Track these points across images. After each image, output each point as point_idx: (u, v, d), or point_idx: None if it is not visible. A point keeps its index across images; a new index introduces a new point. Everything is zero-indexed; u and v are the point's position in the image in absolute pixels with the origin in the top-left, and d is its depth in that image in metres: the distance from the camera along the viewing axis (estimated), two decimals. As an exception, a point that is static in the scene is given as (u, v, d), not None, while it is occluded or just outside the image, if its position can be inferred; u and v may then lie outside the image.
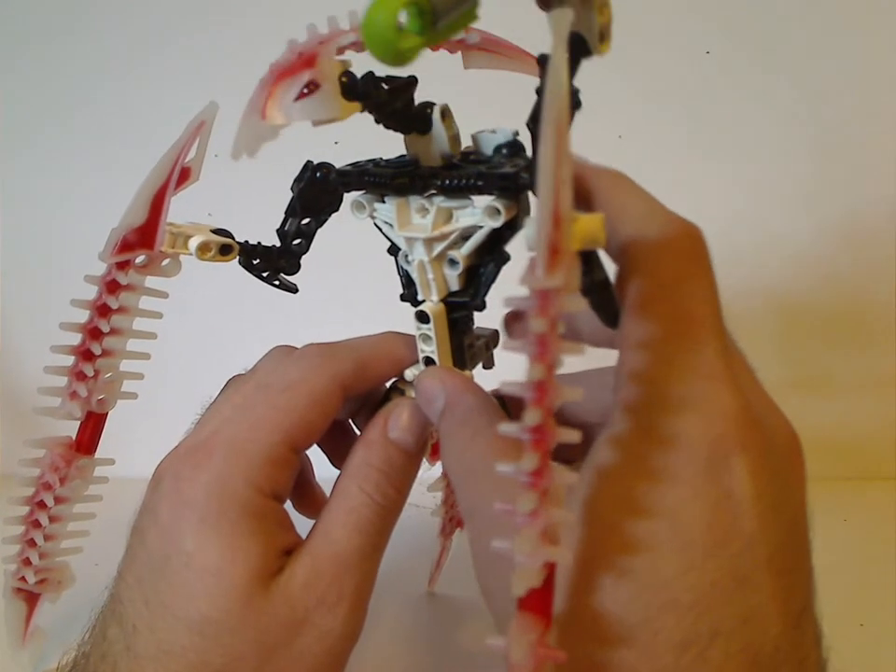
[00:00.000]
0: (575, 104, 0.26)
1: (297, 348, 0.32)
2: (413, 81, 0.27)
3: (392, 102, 0.26)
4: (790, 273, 0.55)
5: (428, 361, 0.31)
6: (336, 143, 0.42)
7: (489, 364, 0.35)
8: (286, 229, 0.32)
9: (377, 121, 0.28)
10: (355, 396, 0.31)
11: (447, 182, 0.28)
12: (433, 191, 0.29)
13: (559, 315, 0.18)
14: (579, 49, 0.25)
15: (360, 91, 0.24)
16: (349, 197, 0.31)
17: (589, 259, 0.24)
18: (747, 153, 0.53)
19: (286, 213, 0.32)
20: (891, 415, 0.56)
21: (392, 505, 0.29)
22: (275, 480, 0.28)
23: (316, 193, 0.32)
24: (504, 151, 0.29)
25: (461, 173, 0.28)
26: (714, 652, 0.20)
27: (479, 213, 0.28)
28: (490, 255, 0.29)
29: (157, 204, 0.29)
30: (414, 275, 0.30)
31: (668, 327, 0.23)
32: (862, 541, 0.44)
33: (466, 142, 0.30)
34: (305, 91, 0.24)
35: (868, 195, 0.53)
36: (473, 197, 0.28)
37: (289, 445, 0.28)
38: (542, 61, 0.25)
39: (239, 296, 0.49)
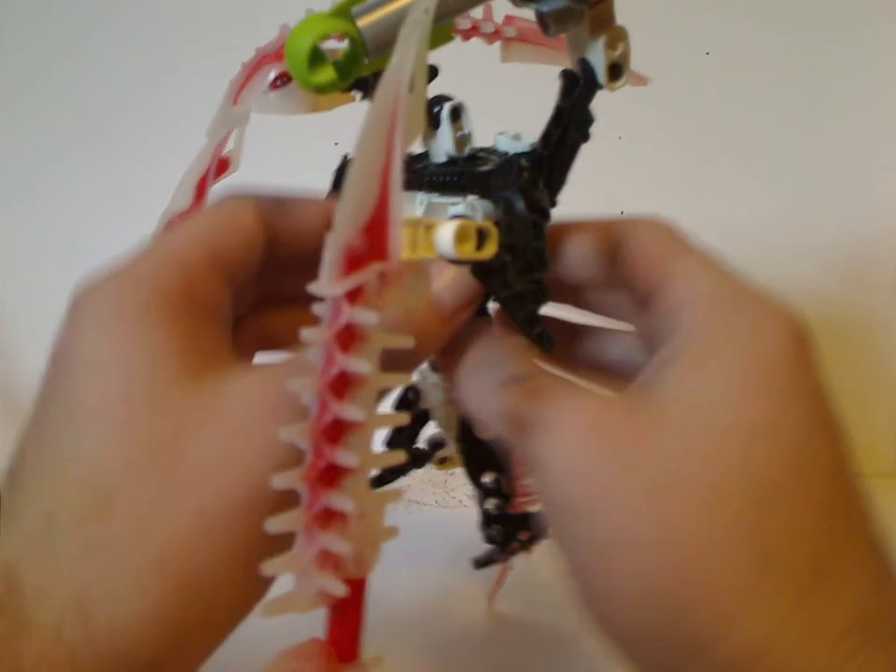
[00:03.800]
0: (584, 135, 0.24)
1: None
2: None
3: None
4: (793, 276, 0.53)
5: (433, 364, 0.30)
6: (336, 144, 0.41)
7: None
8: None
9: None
10: (284, 232, 0.27)
11: (434, 178, 0.27)
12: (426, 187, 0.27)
13: (352, 328, 0.17)
14: (588, 77, 0.23)
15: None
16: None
17: (497, 268, 0.21)
18: (744, 154, 0.51)
19: (325, 204, 0.33)
20: (891, 413, 0.57)
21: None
22: (190, 285, 0.23)
23: None
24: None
25: (449, 170, 0.26)
26: None
27: (464, 210, 0.26)
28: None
29: (200, 191, 0.31)
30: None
31: None
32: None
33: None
34: (278, 82, 0.25)
35: (872, 199, 0.51)
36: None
37: (201, 252, 0.24)
38: (563, 76, 0.24)
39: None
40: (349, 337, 0.17)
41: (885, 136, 0.51)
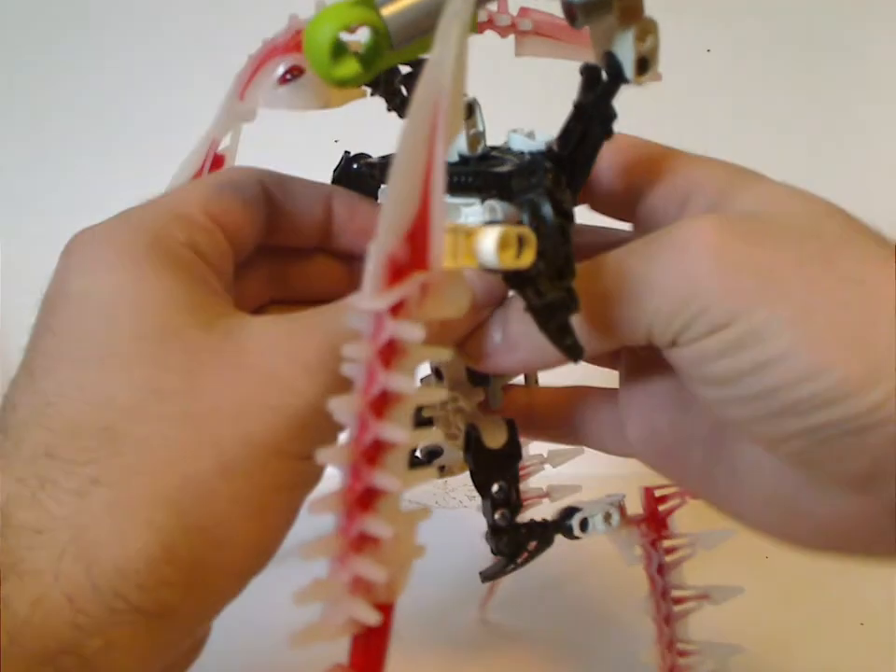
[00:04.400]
0: (607, 132, 0.23)
1: None
2: None
3: (406, 89, 0.25)
4: None
5: (436, 371, 0.29)
6: (336, 141, 0.40)
7: (530, 381, 0.32)
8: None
9: (389, 110, 0.26)
10: (284, 206, 0.27)
11: (446, 178, 0.26)
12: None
13: (394, 344, 0.16)
14: (613, 71, 0.22)
15: None
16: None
17: (531, 277, 0.20)
18: (745, 151, 0.48)
19: (325, 202, 0.31)
20: None
21: None
22: (191, 235, 0.23)
23: (351, 183, 0.31)
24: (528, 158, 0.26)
25: (463, 169, 0.25)
26: None
27: (482, 212, 0.25)
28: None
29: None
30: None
31: None
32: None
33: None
34: (288, 76, 0.24)
35: (874, 196, 0.45)
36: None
37: (202, 209, 0.23)
38: (584, 71, 0.23)
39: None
40: (391, 353, 0.16)
41: (888, 134, 0.52)
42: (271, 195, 0.26)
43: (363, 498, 0.16)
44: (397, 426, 0.16)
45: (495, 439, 0.29)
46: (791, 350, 0.19)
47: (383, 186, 0.29)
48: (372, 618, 0.16)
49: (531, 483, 0.37)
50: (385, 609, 0.17)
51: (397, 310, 0.16)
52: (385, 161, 0.28)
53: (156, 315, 0.20)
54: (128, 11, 0.57)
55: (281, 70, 0.23)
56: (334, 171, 0.31)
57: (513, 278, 0.20)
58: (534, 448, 0.37)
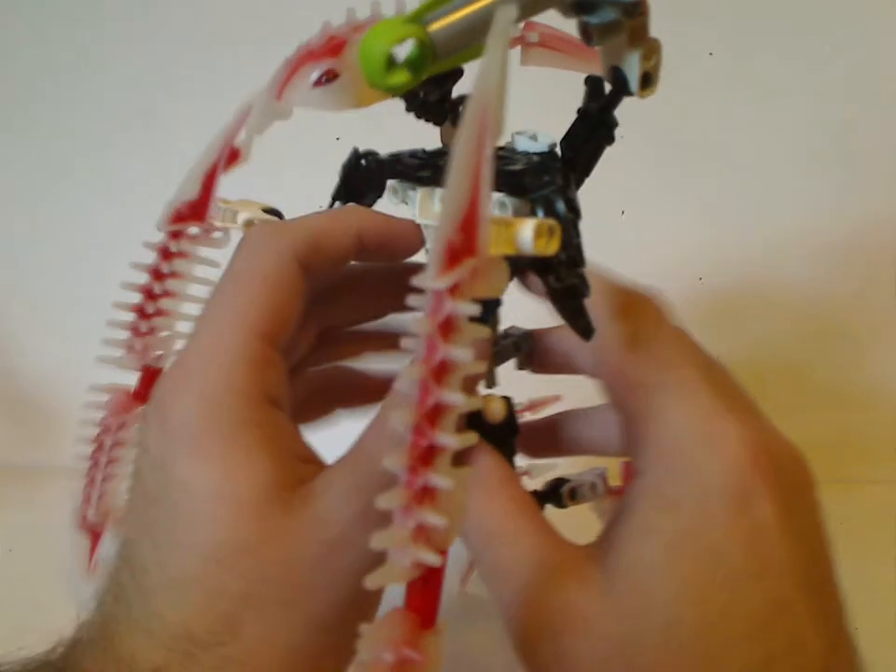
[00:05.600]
0: (609, 138, 0.26)
1: None
2: (456, 74, 0.27)
3: (426, 93, 0.27)
4: (792, 277, 0.55)
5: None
6: (338, 139, 0.42)
7: (524, 365, 0.34)
8: (332, 212, 0.34)
9: (408, 110, 0.28)
10: (319, 273, 0.28)
11: None
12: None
13: (451, 319, 0.18)
14: (619, 85, 0.24)
15: None
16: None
17: (553, 265, 0.23)
18: (745, 153, 0.52)
19: (332, 196, 0.33)
20: (889, 418, 0.56)
21: None
22: (262, 381, 0.25)
23: (359, 178, 0.32)
24: (535, 158, 0.29)
25: None
26: None
27: (492, 207, 0.28)
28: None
29: (208, 182, 0.32)
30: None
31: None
32: (859, 545, 0.40)
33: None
34: (323, 79, 0.26)
35: (875, 196, 0.52)
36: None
37: (261, 338, 0.25)
38: (589, 82, 0.25)
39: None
40: (448, 328, 0.18)
41: (889, 136, 0.52)
42: (307, 262, 0.27)
43: (425, 455, 0.18)
44: (454, 392, 0.18)
45: (495, 414, 0.31)
46: None
47: (390, 182, 0.31)
48: (436, 561, 0.18)
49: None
50: (442, 554, 0.19)
51: (453, 290, 0.18)
52: (394, 158, 0.30)
53: (250, 503, 0.23)
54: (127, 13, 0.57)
55: (317, 74, 0.25)
56: (342, 166, 0.33)
57: (539, 265, 0.22)
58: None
